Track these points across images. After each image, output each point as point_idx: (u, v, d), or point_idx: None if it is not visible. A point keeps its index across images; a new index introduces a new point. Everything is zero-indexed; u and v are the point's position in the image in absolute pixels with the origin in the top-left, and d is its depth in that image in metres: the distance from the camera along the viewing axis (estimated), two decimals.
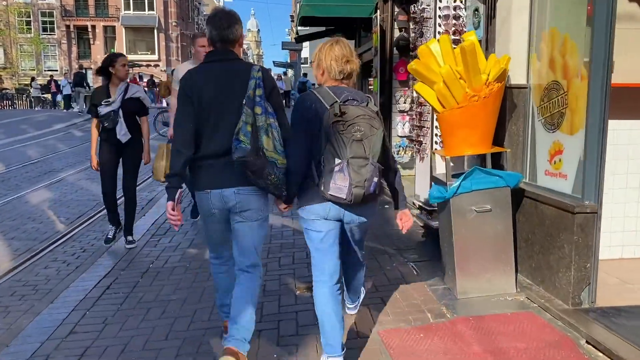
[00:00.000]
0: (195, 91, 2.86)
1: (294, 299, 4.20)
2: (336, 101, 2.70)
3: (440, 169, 4.63)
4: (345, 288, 3.48)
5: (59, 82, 25.88)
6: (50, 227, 6.93)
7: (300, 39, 12.41)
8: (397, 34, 8.06)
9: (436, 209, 5.11)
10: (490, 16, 4.50)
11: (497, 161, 4.39)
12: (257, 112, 2.78)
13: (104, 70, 5.47)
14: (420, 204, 5.63)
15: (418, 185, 5.77)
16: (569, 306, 3.60)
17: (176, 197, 2.88)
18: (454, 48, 4.08)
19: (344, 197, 2.65)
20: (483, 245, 3.96)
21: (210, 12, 3.12)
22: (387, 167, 2.97)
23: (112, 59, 5.50)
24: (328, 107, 2.69)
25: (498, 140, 4.28)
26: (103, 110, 5.37)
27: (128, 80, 5.67)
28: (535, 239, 4.01)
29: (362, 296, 3.70)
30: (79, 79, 25.68)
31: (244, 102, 2.79)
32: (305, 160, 2.82)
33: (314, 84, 21.13)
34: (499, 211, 3.95)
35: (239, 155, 2.72)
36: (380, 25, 8.14)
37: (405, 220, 3.10)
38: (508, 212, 3.96)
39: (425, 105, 5.36)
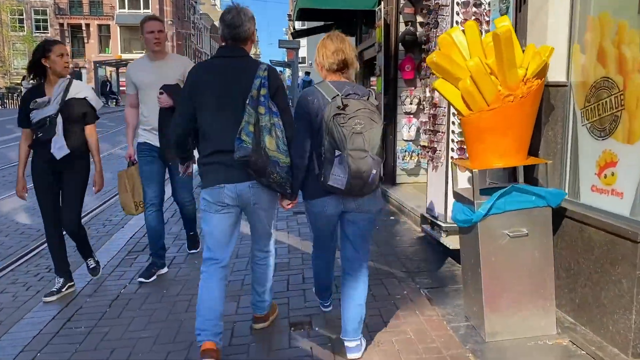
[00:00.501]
0: (202, 86, 2.91)
1: (287, 341, 3.48)
2: (338, 94, 2.78)
3: (462, 182, 3.91)
4: (343, 323, 3.12)
5: None
6: (16, 240, 6.20)
7: (297, 34, 11.64)
8: (402, 28, 7.35)
9: (452, 225, 4.40)
10: (521, 1, 3.80)
11: (529, 174, 3.68)
12: (261, 112, 2.81)
13: (35, 64, 4.06)
14: (432, 219, 4.92)
15: (430, 196, 5.06)
16: (628, 357, 2.89)
17: (186, 164, 3.34)
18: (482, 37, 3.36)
19: (342, 188, 2.73)
20: (517, 277, 3.25)
21: (225, 9, 3.09)
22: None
23: (45, 47, 4.03)
24: (330, 100, 2.77)
25: (531, 148, 3.56)
26: (37, 116, 4.02)
27: (69, 76, 4.27)
28: (579, 270, 3.30)
29: (361, 352, 3.14)
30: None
31: (247, 102, 2.82)
32: (307, 153, 2.90)
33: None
34: (537, 235, 3.23)
35: (241, 155, 2.78)
36: (384, 18, 7.42)
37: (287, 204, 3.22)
38: (548, 237, 3.25)
39: (441, 107, 4.64)
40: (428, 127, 4.88)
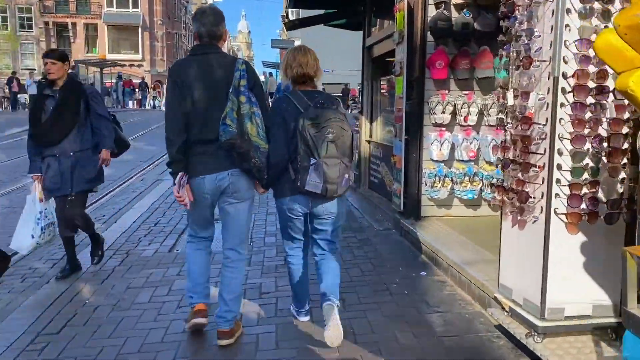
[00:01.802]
0: (185, 80, 3.02)
1: None
2: (310, 105, 2.98)
3: (569, 252, 1.95)
4: (322, 290, 3.25)
5: (21, 81, 22.85)
6: None
7: (292, 25, 9.52)
8: (432, 12, 5.43)
9: (553, 324, 2.47)
10: None
11: None
12: (242, 101, 2.97)
13: None
14: (511, 304, 2.97)
15: (508, 266, 3.11)
16: None
17: (177, 180, 3.02)
18: None
19: (319, 192, 2.94)
20: None
21: (198, 9, 3.24)
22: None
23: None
24: (302, 110, 2.97)
25: None
26: None
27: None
28: None
29: (335, 303, 3.21)
30: (73, 77, 23.59)
31: (230, 91, 2.97)
32: (285, 155, 3.05)
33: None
34: None
35: (227, 137, 2.92)
36: (407, 1, 5.50)
37: None
38: None
39: (539, 124, 2.70)
40: (511, 156, 2.92)
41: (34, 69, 42.20)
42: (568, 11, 2.56)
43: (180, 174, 3.03)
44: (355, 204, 7.31)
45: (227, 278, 3.23)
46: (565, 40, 2.59)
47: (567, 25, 2.57)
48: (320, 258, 3.29)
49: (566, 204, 2.60)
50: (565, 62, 2.60)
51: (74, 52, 42.25)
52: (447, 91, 5.45)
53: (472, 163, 5.54)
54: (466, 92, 5.47)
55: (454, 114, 5.45)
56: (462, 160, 5.52)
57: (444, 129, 5.46)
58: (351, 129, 3.06)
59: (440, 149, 5.45)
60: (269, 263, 4.82)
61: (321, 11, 9.14)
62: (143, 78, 37.65)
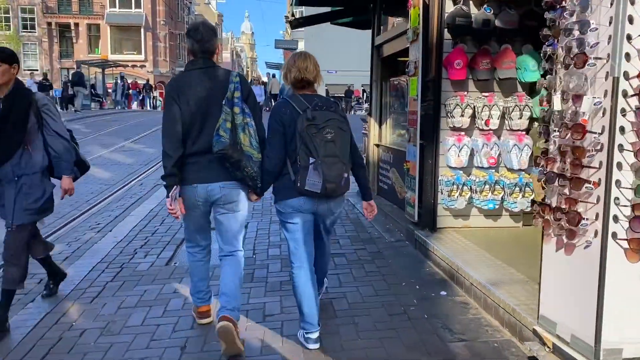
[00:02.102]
0: (182, 95, 3.10)
1: None
2: (308, 107, 3.00)
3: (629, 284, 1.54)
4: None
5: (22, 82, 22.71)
6: None
7: (297, 23, 9.04)
8: (449, 8, 5.02)
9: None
10: None
11: None
12: (236, 112, 3.05)
13: None
14: (556, 342, 2.55)
15: (551, 293, 2.70)
16: None
17: (171, 194, 3.08)
18: None
19: (319, 191, 2.94)
20: None
21: (191, 25, 3.31)
22: (356, 164, 3.27)
23: None
24: (301, 112, 3.00)
25: None
26: None
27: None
28: None
29: (324, 287, 3.80)
30: (78, 79, 24.92)
31: (224, 103, 3.06)
32: (280, 161, 3.11)
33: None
34: None
35: (219, 148, 2.98)
36: None
37: (370, 210, 3.49)
38: None
39: (595, 134, 2.28)
40: (557, 169, 2.50)
41: (36, 70, 41.95)
42: (632, 1, 2.15)
43: (174, 187, 3.10)
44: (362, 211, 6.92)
45: (225, 273, 3.27)
46: (628, 34, 2.18)
47: (630, 17, 2.17)
48: (318, 245, 3.39)
49: (626, 228, 2.20)
50: (628, 60, 2.19)
51: (77, 52, 41.97)
52: (465, 93, 5.03)
53: (493, 170, 5.11)
54: (486, 93, 5.05)
55: (473, 117, 5.04)
56: (482, 167, 5.09)
57: (462, 133, 5.05)
58: (350, 129, 3.12)
59: (458, 155, 5.04)
60: (273, 279, 4.43)
61: (327, 9, 8.73)
62: (148, 80, 37.61)
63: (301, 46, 34.94)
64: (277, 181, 3.18)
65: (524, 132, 5.03)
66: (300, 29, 44.13)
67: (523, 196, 4.99)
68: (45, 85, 22.21)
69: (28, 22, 42.49)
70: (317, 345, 3.17)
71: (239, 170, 3.06)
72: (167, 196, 3.09)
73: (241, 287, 3.30)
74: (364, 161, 3.46)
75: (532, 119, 5.02)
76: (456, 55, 4.97)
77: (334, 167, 2.93)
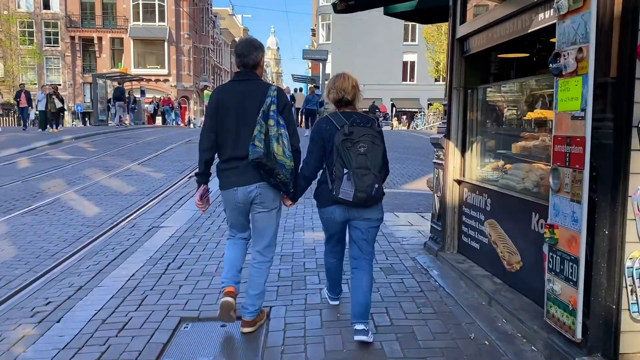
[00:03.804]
0: (220, 103, 3.41)
1: None
2: (346, 123, 3.24)
3: None
4: (352, 309, 3.44)
5: (31, 95, 20.71)
6: None
7: (343, 8, 6.14)
8: None
9: None
10: None
11: None
12: (270, 124, 3.27)
13: None
14: None
15: None
16: None
17: (200, 191, 3.54)
18: None
19: (351, 199, 3.17)
20: None
21: (237, 41, 4.25)
22: (386, 171, 3.40)
23: None
24: (339, 128, 3.23)
25: None
26: None
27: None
28: None
29: (369, 333, 3.38)
30: (120, 94, 25.55)
31: (259, 116, 3.27)
32: (316, 169, 3.45)
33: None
34: None
35: (254, 157, 3.23)
36: None
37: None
38: None
39: None
40: None
41: (59, 84, 40.73)
42: None
43: (203, 186, 3.55)
44: (444, 282, 4.51)
45: (253, 276, 3.54)
46: None
47: None
48: (355, 265, 3.45)
49: None
50: None
51: (100, 67, 40.63)
52: None
53: None
54: None
55: None
56: None
57: None
58: (383, 144, 3.28)
59: None
60: None
61: None
62: (176, 98, 36.77)
63: (328, 62, 32.77)
64: (318, 189, 3.48)
65: None
66: (327, 42, 42.19)
67: None
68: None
69: (52, 37, 41.46)
70: (337, 302, 3.92)
71: (272, 177, 3.31)
72: (196, 193, 3.56)
73: (265, 284, 3.60)
74: (388, 172, 3.45)
75: None
76: None
77: (365, 178, 3.14)
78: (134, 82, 30.92)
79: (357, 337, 3.28)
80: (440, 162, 5.30)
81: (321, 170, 3.47)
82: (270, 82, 3.93)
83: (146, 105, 27.49)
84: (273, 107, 3.28)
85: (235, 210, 3.47)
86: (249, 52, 3.43)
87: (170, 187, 9.60)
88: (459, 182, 5.08)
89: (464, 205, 4.97)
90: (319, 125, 3.43)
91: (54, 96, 19.70)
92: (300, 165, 3.45)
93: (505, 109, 4.91)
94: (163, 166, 12.22)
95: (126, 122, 26.25)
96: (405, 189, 9.92)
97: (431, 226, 5.54)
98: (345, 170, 3.14)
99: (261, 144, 3.22)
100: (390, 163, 3.53)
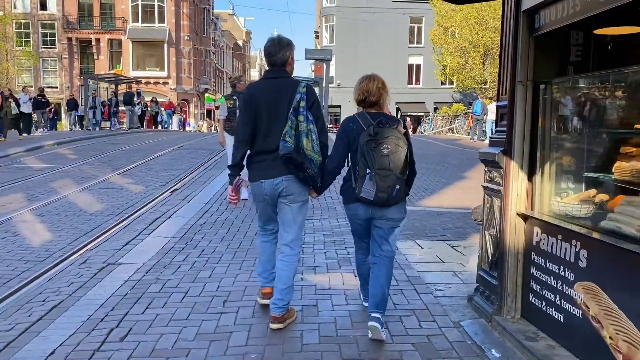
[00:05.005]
0: (254, 101, 3.48)
1: None
2: (372, 124, 3.25)
3: None
4: (370, 299, 3.50)
5: (17, 97, 19.09)
6: None
7: None
8: None
9: None
10: None
11: None
12: (300, 120, 3.33)
13: None
14: None
15: None
16: None
17: (234, 182, 3.65)
18: None
19: (372, 199, 3.23)
20: None
21: (267, 40, 3.59)
22: (412, 173, 3.40)
23: None
24: (365, 128, 3.26)
25: None
26: None
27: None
28: None
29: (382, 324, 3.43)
30: (129, 98, 25.13)
31: (290, 112, 3.35)
32: (339, 166, 3.49)
33: None
34: None
35: (284, 152, 3.30)
36: None
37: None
38: None
39: None
40: None
41: (56, 87, 39.28)
42: None
43: (238, 177, 3.65)
44: None
45: (280, 270, 3.56)
46: None
47: None
48: (374, 261, 3.51)
49: None
50: None
51: (97, 69, 39.12)
52: None
53: None
54: None
55: None
56: None
57: None
58: (407, 145, 3.27)
59: None
60: None
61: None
62: (178, 103, 35.46)
63: (332, 64, 30.99)
64: (343, 186, 3.51)
65: None
66: (330, 44, 40.53)
67: None
68: (40, 102, 18.82)
69: (48, 38, 40.01)
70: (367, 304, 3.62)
71: (302, 171, 3.37)
72: (231, 183, 3.65)
73: (294, 278, 3.61)
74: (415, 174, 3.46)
75: None
76: None
77: (387, 179, 3.18)
78: (128, 84, 29.35)
79: (370, 323, 3.33)
80: (494, 187, 3.71)
81: (347, 168, 3.50)
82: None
83: (137, 107, 25.81)
84: (302, 104, 3.36)
85: (262, 202, 3.57)
86: (276, 51, 3.50)
87: (147, 203, 8.03)
88: (526, 217, 3.49)
89: (535, 253, 3.38)
90: (345, 123, 3.47)
91: (10, 100, 17.13)
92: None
93: (596, 113, 3.31)
94: (145, 177, 10.66)
95: (112, 126, 24.48)
96: (422, 206, 8.32)
97: (479, 275, 3.94)
98: (368, 171, 3.20)
99: (292, 139, 3.30)
100: None
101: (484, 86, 32.98)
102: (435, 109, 39.09)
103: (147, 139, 19.23)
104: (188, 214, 7.16)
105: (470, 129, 22.90)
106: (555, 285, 3.15)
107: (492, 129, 21.07)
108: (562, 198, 3.33)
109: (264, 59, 3.69)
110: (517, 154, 3.49)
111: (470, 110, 23.30)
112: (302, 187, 3.50)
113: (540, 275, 3.32)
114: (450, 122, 30.22)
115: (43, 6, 39.51)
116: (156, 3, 39.79)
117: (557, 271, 3.12)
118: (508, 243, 3.54)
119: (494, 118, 19.40)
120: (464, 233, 6.54)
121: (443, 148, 17.27)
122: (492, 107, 21.09)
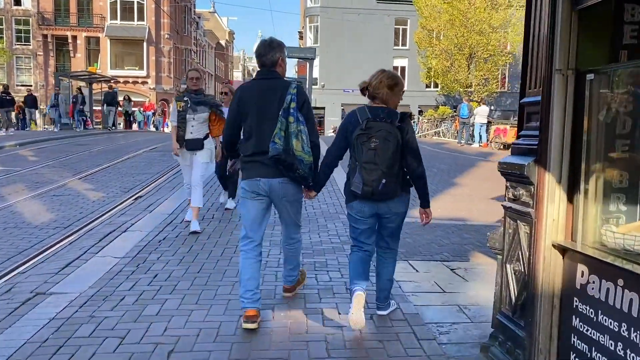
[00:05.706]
0: (243, 100, 3.56)
1: None
2: (367, 118, 3.26)
3: None
4: (376, 293, 3.68)
5: None
6: None
7: None
8: None
9: None
10: None
11: None
12: (290, 121, 3.37)
13: None
14: None
15: None
16: None
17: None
18: None
19: (359, 192, 3.24)
20: None
21: (259, 42, 3.68)
22: (414, 174, 3.37)
23: None
24: (360, 122, 3.26)
25: None
26: None
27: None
28: None
29: (391, 307, 3.71)
30: (111, 99, 24.58)
31: (280, 113, 3.38)
32: (336, 158, 3.53)
33: None
34: None
35: (273, 154, 3.33)
36: None
37: (426, 217, 3.49)
38: None
39: None
40: None
41: (31, 85, 37.80)
42: None
43: (233, 160, 4.48)
44: None
45: (288, 255, 3.86)
46: None
47: None
48: (383, 257, 3.61)
49: None
50: None
51: (74, 67, 37.70)
52: None
53: None
54: None
55: None
56: None
57: None
58: (398, 140, 3.21)
59: None
60: None
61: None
62: (159, 105, 34.34)
63: (314, 63, 30.12)
64: (346, 184, 3.46)
65: None
66: (314, 44, 39.66)
67: None
68: (5, 100, 17.58)
69: (22, 34, 38.50)
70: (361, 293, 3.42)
71: (292, 171, 3.40)
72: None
73: (298, 264, 3.92)
74: (423, 170, 3.38)
75: None
76: None
77: (372, 172, 3.18)
78: (103, 84, 28.09)
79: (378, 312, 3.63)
80: (521, 208, 2.83)
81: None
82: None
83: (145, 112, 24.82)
84: (293, 105, 3.39)
85: (255, 200, 3.54)
86: (266, 52, 3.55)
87: (104, 214, 7.04)
88: (564, 249, 2.62)
89: (578, 299, 2.51)
90: (347, 117, 3.49)
91: None
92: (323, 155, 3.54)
93: None
94: (108, 182, 9.64)
95: (77, 127, 23.15)
96: (413, 217, 7.44)
97: (497, 320, 3.06)
98: (357, 164, 3.23)
99: (280, 140, 3.33)
100: None
101: (469, 89, 32.40)
102: (420, 112, 38.38)
103: (119, 141, 18.13)
104: (147, 227, 6.18)
105: (457, 132, 22.19)
106: (612, 348, 2.28)
107: (480, 133, 20.38)
108: (618, 226, 2.47)
109: (247, 60, 3.39)
110: (554, 165, 2.62)
111: (457, 114, 22.60)
112: (296, 187, 3.58)
113: (587, 330, 2.45)
114: (437, 125, 29.51)
115: (17, 2, 38.01)
116: (135, 0, 38.54)
117: (618, 329, 2.25)
118: (541, 283, 2.67)
119: (484, 122, 18.63)
120: (462, 251, 5.70)
121: (431, 152, 16.47)
122: (480, 110, 20.42)
